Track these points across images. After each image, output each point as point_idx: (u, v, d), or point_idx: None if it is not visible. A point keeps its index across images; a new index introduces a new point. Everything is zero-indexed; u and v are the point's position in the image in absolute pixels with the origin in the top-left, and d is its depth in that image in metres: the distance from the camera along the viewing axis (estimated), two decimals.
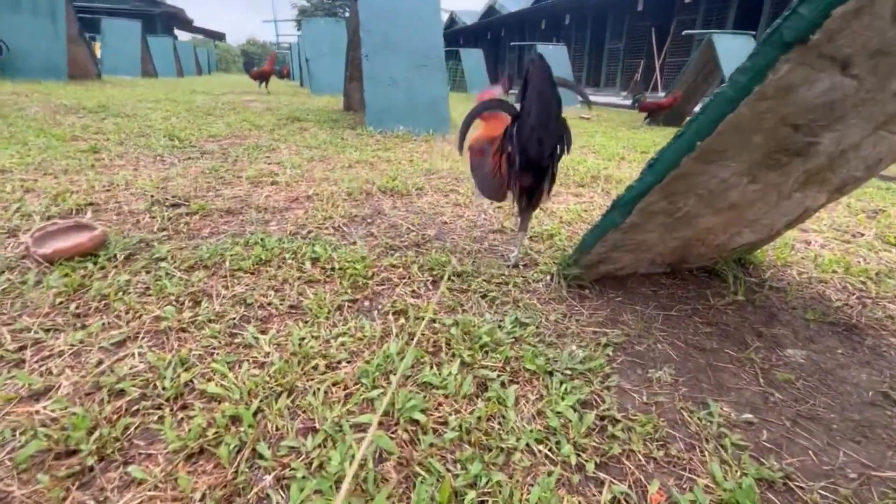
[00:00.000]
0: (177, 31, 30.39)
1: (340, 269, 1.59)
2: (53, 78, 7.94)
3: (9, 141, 3.16)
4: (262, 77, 10.85)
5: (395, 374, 1.06)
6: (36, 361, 1.06)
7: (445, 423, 0.95)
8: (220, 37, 41.53)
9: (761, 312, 1.51)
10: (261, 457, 0.84)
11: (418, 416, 0.94)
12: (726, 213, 1.38)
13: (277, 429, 0.91)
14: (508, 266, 1.71)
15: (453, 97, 5.41)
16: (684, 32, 8.87)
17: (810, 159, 1.21)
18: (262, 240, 1.77)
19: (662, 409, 1.05)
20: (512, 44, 20.80)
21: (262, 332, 1.22)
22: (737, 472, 0.88)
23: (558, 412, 0.99)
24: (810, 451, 0.96)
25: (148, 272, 1.49)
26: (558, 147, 1.38)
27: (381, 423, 0.94)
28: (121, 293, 1.34)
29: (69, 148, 3.10)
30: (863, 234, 2.30)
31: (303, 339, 1.19)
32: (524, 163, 1.38)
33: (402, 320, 1.32)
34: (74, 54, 8.62)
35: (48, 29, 8.05)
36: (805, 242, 2.17)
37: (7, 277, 1.39)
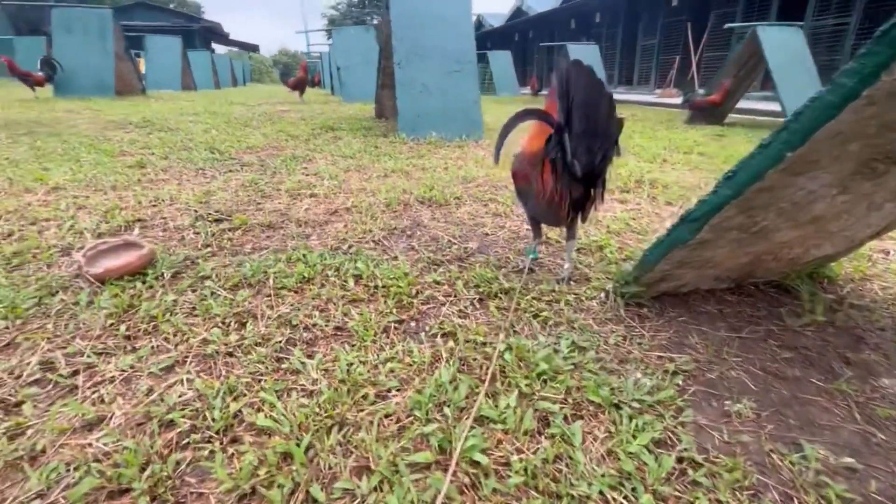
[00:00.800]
0: (214, 45, 31.61)
1: (384, 286, 1.54)
2: (102, 95, 8.35)
3: (63, 158, 3.30)
4: (299, 86, 11.00)
5: (448, 406, 1.00)
6: (88, 388, 1.05)
7: (508, 465, 0.87)
8: (253, 49, 42.96)
9: (845, 335, 1.36)
10: (314, 501, 0.79)
11: (479, 457, 0.87)
12: (807, 226, 1.25)
13: (330, 467, 0.86)
14: (561, 280, 1.61)
15: (483, 100, 5.34)
16: (726, 26, 8.44)
17: None
18: (304, 256, 1.75)
19: (748, 451, 0.94)
20: (541, 44, 20.53)
21: (309, 357, 1.18)
22: None
23: (631, 453, 0.90)
24: None
25: (194, 290, 1.49)
26: (609, 151, 1.30)
27: (437, 462, 0.88)
28: (168, 314, 1.34)
29: (117, 163, 3.21)
30: None
31: (350, 364, 1.15)
32: (572, 171, 1.30)
33: (451, 343, 1.26)
34: (121, 71, 9.07)
35: (97, 48, 8.49)
36: (883, 252, 1.98)
37: (61, 298, 1.41)
